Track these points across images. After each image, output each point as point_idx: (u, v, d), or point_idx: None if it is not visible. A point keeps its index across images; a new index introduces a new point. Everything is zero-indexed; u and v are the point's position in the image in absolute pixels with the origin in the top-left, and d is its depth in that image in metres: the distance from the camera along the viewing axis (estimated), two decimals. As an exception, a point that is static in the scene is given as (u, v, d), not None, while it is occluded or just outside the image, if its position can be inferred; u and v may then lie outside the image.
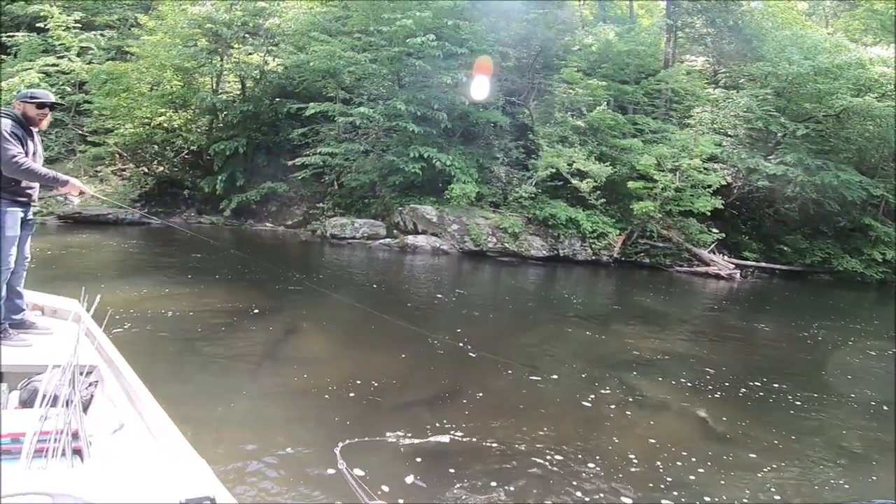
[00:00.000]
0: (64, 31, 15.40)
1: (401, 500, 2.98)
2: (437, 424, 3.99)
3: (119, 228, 12.72)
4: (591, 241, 13.25)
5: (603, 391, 5.04)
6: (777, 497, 3.50)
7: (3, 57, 15.76)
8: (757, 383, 5.62)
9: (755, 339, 7.98)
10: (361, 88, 14.14)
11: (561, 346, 6.71)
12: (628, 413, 4.63)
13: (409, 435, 3.74)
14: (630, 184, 13.13)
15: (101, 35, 16.64)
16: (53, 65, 14.89)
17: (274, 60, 15.24)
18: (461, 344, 6.06)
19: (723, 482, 3.58)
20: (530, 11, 14.85)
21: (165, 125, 15.05)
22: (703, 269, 13.45)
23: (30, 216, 3.33)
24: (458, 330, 6.61)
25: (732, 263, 13.71)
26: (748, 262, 14.30)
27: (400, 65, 13.38)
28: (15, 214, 3.16)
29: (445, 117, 13.22)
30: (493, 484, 3.30)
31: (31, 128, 3.24)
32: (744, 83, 16.26)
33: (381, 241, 13.05)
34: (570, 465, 3.60)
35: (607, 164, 13.12)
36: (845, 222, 15.46)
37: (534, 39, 15.32)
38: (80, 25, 15.94)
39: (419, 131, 12.85)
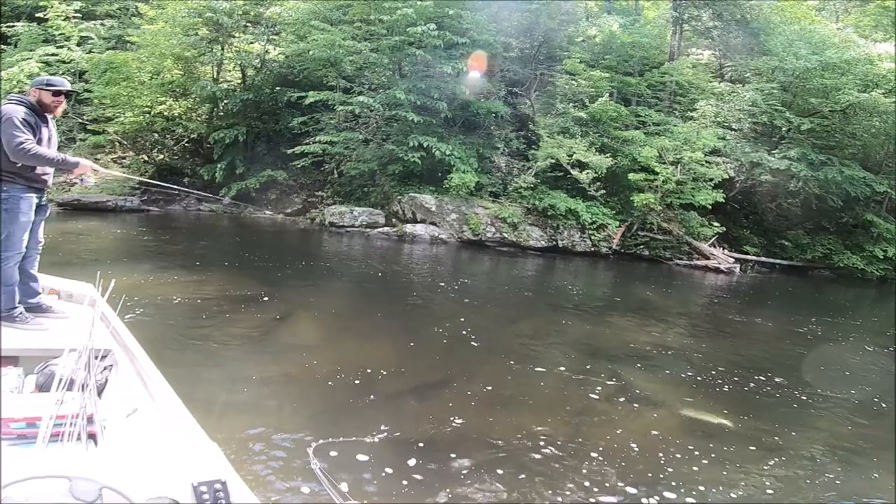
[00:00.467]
0: (64, 20, 15.38)
1: (376, 499, 2.94)
2: (425, 416, 3.97)
3: (119, 216, 12.74)
4: (590, 232, 13.17)
5: (598, 384, 4.97)
6: (771, 492, 3.45)
7: (3, 47, 15.77)
8: (754, 379, 5.55)
9: (753, 334, 7.90)
10: (363, 78, 14.08)
11: (557, 338, 6.67)
12: (623, 407, 4.57)
13: (392, 428, 3.70)
14: (631, 175, 13.03)
15: (102, 24, 16.63)
16: (53, 54, 14.89)
17: (275, 49, 15.19)
18: (469, 331, 6.04)
19: (717, 478, 3.53)
20: (533, 2, 14.73)
21: (166, 114, 15.04)
22: (702, 262, 13.36)
23: (44, 201, 3.37)
24: (461, 319, 6.59)
25: (732, 257, 13.60)
26: (749, 257, 14.19)
27: (401, 54, 13.31)
28: (30, 200, 3.19)
29: (446, 107, 13.15)
30: (481, 477, 3.25)
31: (46, 114, 3.28)
32: (750, 77, 16.10)
33: (380, 229, 13.02)
34: (562, 460, 3.55)
35: (608, 155, 13.02)
36: (848, 218, 15.31)
37: (536, 30, 15.20)
38: (80, 15, 15.93)
39: (419, 121, 12.79)
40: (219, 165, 14.16)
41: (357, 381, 4.44)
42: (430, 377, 4.87)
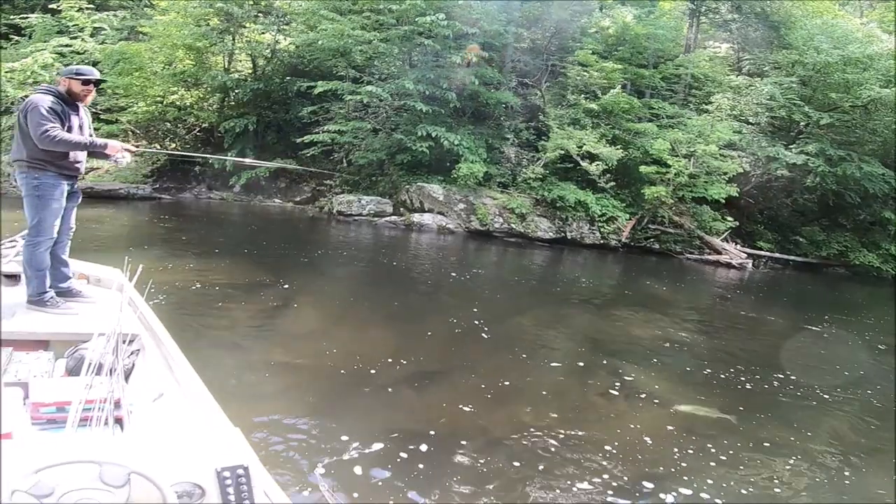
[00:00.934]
0: (77, 12, 15.54)
1: (376, 496, 2.90)
2: (437, 406, 3.95)
3: (131, 203, 12.85)
4: (599, 224, 13.01)
5: (603, 378, 4.88)
6: (777, 491, 3.37)
7: (17, 38, 15.99)
8: (763, 376, 5.39)
9: (764, 331, 7.71)
10: (372, 67, 14.04)
11: (564, 330, 6.58)
12: (628, 401, 4.46)
13: (405, 418, 3.70)
14: (642, 168, 12.84)
15: (115, 15, 16.78)
16: (67, 45, 15.04)
17: (285, 39, 15.21)
18: (476, 322, 5.99)
19: (722, 475, 3.44)
20: (545, -8, 14.56)
21: (177, 103, 15.16)
22: (714, 257, 13.13)
23: (75, 187, 3.43)
24: (471, 310, 6.54)
25: (745, 253, 13.36)
26: (762, 252, 13.92)
27: (410, 44, 13.24)
28: (62, 187, 3.26)
29: (455, 97, 13.06)
30: (476, 471, 3.19)
31: (77, 103, 3.33)
32: (768, 71, 15.77)
33: (387, 218, 12.99)
34: (565, 454, 3.47)
35: (619, 147, 12.84)
36: (865, 215, 14.99)
37: (548, 20, 15.02)
38: (93, 6, 16.10)
39: (428, 110, 12.72)
40: (229, 154, 14.24)
41: (373, 371, 4.42)
42: (440, 367, 4.84)
